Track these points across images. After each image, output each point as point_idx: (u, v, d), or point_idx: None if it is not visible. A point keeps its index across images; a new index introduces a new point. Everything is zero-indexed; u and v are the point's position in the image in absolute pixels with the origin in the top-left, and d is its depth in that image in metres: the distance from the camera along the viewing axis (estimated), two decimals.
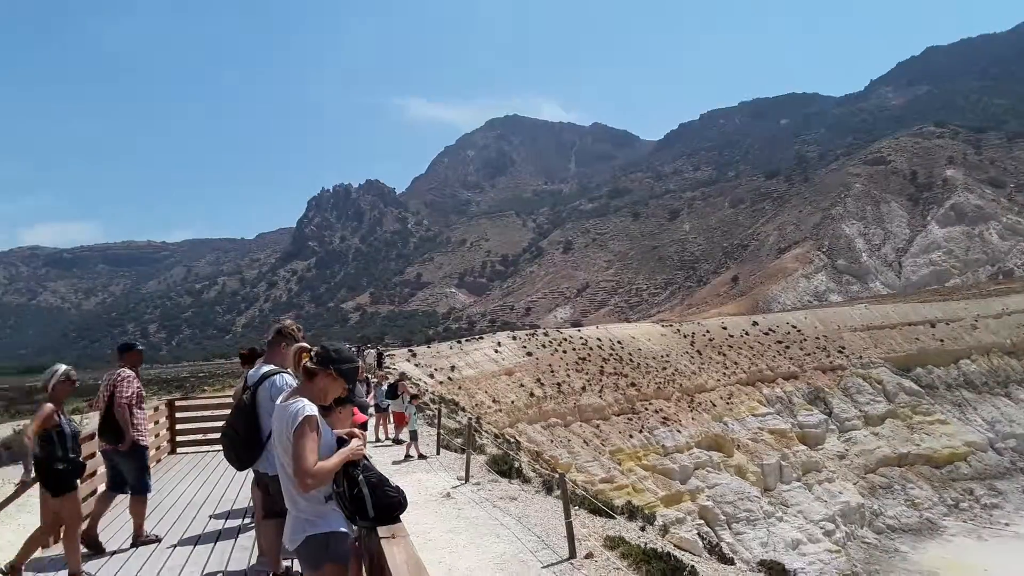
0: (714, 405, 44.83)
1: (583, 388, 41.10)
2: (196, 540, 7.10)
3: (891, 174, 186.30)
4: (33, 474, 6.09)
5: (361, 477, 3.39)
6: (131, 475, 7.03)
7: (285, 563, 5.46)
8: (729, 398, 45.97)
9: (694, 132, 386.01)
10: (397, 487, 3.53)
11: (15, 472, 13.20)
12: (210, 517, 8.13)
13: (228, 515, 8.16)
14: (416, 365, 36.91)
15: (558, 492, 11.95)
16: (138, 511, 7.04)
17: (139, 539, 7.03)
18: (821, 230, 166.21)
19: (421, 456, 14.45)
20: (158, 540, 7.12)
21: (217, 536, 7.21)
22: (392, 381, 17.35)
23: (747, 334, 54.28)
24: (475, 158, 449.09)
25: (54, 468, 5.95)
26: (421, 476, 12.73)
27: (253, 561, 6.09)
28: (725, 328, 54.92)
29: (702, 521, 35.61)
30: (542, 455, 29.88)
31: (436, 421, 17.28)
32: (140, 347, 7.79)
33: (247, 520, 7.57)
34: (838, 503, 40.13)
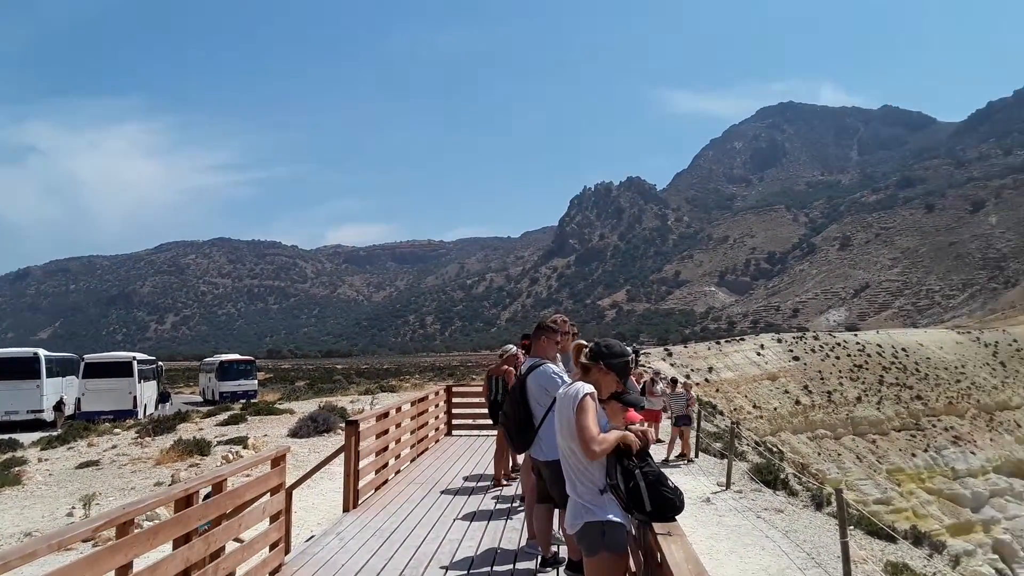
0: (1019, 425, 38.81)
1: (858, 398, 37.82)
2: (472, 516, 7.76)
3: None
4: None
5: (637, 471, 3.55)
6: None
7: (553, 548, 5.82)
8: None
9: (1006, 111, 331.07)
10: (676, 487, 3.61)
11: (322, 442, 15.47)
12: (482, 497, 8.81)
13: (497, 497, 8.82)
14: (672, 364, 36.57)
15: (828, 509, 11.20)
16: None
17: None
18: None
19: (690, 460, 14.36)
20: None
21: (490, 516, 7.82)
22: (648, 380, 17.44)
23: None
24: (743, 150, 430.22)
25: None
26: (679, 479, 12.67)
27: (522, 543, 6.54)
28: None
29: (996, 556, 31.00)
30: (808, 468, 28.06)
31: (696, 424, 17.05)
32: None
33: (516, 504, 8.13)
34: None
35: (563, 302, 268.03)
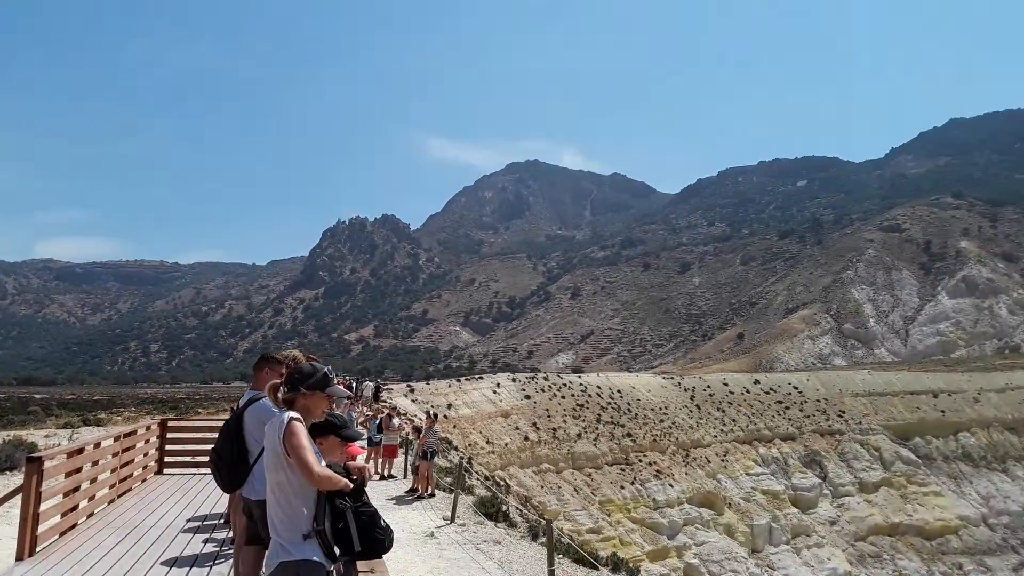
0: (709, 461, 44.41)
1: (578, 435, 40.86)
2: (173, 563, 7.11)
3: (905, 242, 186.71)
4: None
5: (349, 511, 3.49)
6: None
7: None
8: (724, 455, 45.57)
9: (711, 188, 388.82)
10: (387, 527, 3.62)
11: (3, 482, 13.27)
12: (188, 541, 8.15)
13: (207, 540, 8.21)
14: (413, 401, 36.87)
15: (543, 539, 11.95)
16: None
17: None
18: (830, 293, 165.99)
19: (430, 495, 14.44)
20: None
21: (193, 561, 7.24)
22: (386, 415, 17.43)
23: (748, 392, 54.00)
24: (492, 199, 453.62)
25: None
26: (406, 513, 12.76)
27: None
28: (726, 384, 54.68)
29: None
30: (531, 500, 29.67)
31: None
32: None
33: (225, 548, 7.60)
34: (825, 570, 39.48)
35: (308, 335, 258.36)
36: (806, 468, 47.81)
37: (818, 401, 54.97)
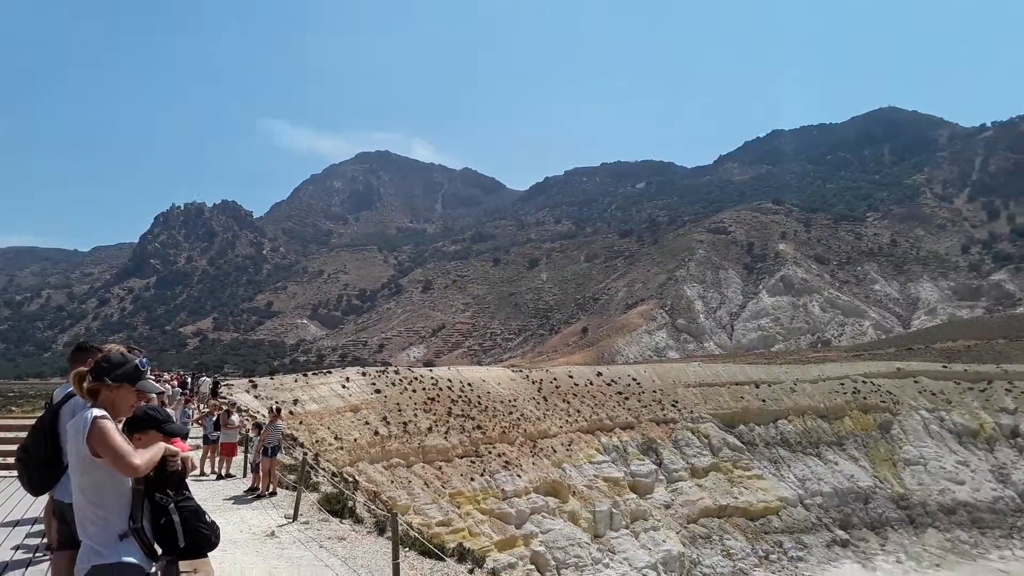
0: (555, 451, 45.84)
1: (429, 429, 40.80)
2: None
3: (731, 243, 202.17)
4: None
5: (172, 505, 3.29)
6: None
7: None
8: (569, 445, 47.23)
9: (558, 186, 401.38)
10: (212, 523, 3.43)
11: None
12: None
13: (19, 546, 7.47)
14: (256, 397, 35.26)
15: (389, 533, 11.82)
16: None
17: None
18: (665, 290, 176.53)
19: (272, 493, 13.86)
20: None
21: (4, 568, 6.60)
22: (223, 411, 16.56)
23: (591, 384, 56.28)
24: (341, 189, 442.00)
25: None
26: (246, 513, 12.19)
27: None
28: (571, 377, 56.67)
29: (533, 566, 36.03)
30: (380, 495, 29.29)
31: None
32: None
33: (40, 554, 6.97)
34: (661, 551, 42.00)
35: (138, 327, 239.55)
36: (643, 455, 50.56)
37: (654, 392, 58.28)
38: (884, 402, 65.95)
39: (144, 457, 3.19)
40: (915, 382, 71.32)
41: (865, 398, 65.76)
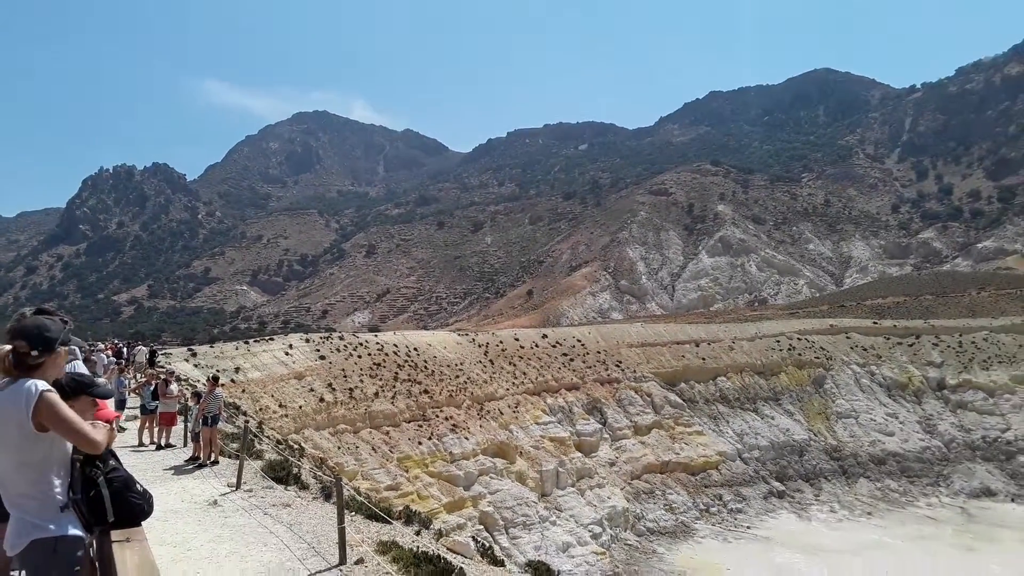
0: (502, 413, 46.32)
1: (376, 394, 40.68)
2: None
3: (671, 205, 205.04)
4: None
5: (101, 478, 3.19)
6: None
7: (13, 574, 4.90)
8: (516, 407, 47.78)
9: (501, 148, 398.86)
10: (145, 491, 3.35)
11: None
12: None
13: None
14: (196, 366, 34.48)
15: (335, 499, 11.78)
16: None
17: None
18: (608, 252, 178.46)
19: (214, 462, 13.62)
20: None
21: None
22: (161, 380, 16.13)
23: (537, 346, 56.81)
24: (279, 151, 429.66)
25: None
26: (187, 483, 11.96)
27: None
28: (517, 339, 57.08)
29: (482, 526, 36.58)
30: (327, 462, 29.18)
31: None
32: None
33: None
34: (606, 507, 43.12)
35: (69, 296, 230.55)
36: (588, 415, 51.52)
37: (599, 352, 59.22)
38: (818, 358, 68.51)
39: (101, 434, 3.13)
40: (847, 338, 74.20)
41: (800, 354, 68.15)
